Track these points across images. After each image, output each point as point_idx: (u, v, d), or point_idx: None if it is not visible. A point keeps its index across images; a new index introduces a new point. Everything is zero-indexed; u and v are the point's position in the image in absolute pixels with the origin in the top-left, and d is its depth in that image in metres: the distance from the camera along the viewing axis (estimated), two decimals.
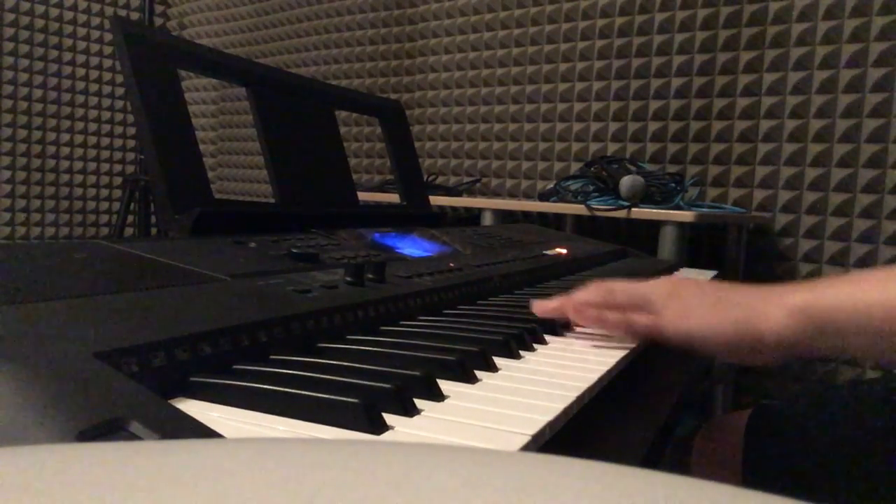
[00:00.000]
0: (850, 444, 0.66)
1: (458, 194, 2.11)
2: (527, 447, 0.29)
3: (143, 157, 2.42)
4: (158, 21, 3.07)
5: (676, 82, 1.83)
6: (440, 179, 2.27)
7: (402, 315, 0.55)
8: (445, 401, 0.35)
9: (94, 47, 2.84)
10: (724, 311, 0.51)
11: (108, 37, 2.83)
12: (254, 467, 0.14)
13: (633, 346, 0.53)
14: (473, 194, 2.19)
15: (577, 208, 1.59)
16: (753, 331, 0.50)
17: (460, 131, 2.26)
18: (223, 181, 2.98)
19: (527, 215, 1.97)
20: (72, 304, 0.35)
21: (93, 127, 2.85)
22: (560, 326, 0.57)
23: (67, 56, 2.75)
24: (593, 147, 1.99)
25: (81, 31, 2.80)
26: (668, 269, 1.11)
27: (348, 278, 0.54)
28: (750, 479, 0.72)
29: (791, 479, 0.68)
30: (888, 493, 0.60)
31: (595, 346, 0.52)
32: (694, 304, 0.53)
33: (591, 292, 0.57)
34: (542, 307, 0.58)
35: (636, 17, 1.89)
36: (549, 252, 1.01)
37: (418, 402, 0.33)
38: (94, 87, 2.84)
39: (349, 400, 0.30)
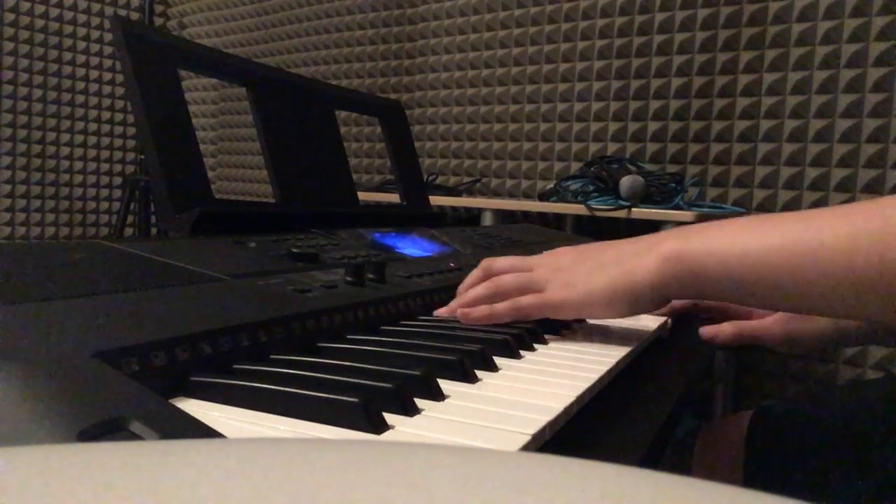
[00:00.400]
0: (852, 444, 0.66)
1: (458, 194, 2.11)
2: (527, 447, 0.30)
3: (143, 157, 2.42)
4: (158, 21, 3.07)
5: (676, 82, 1.83)
6: (440, 179, 2.27)
7: (402, 315, 0.55)
8: (445, 400, 0.35)
9: (94, 47, 2.84)
10: (603, 272, 0.52)
11: (108, 37, 2.83)
12: (254, 467, 0.14)
13: (632, 346, 0.53)
14: (473, 194, 2.19)
15: (577, 208, 1.59)
16: (629, 283, 0.51)
17: (460, 131, 2.26)
18: (223, 181, 2.98)
19: (527, 215, 1.97)
20: (72, 304, 0.35)
21: (93, 127, 2.85)
22: (561, 326, 0.57)
23: (67, 56, 2.75)
24: (593, 147, 1.99)
25: (81, 31, 2.80)
26: None
27: (348, 278, 0.54)
28: (751, 479, 0.72)
29: (793, 480, 0.68)
30: (890, 493, 0.60)
31: (595, 346, 0.52)
32: (576, 272, 0.53)
33: (477, 290, 0.57)
34: (442, 315, 0.58)
35: (636, 17, 1.89)
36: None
37: (418, 402, 0.33)
38: (94, 87, 2.84)
39: (349, 399, 0.30)
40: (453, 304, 0.58)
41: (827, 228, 0.43)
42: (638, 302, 0.51)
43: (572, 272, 0.54)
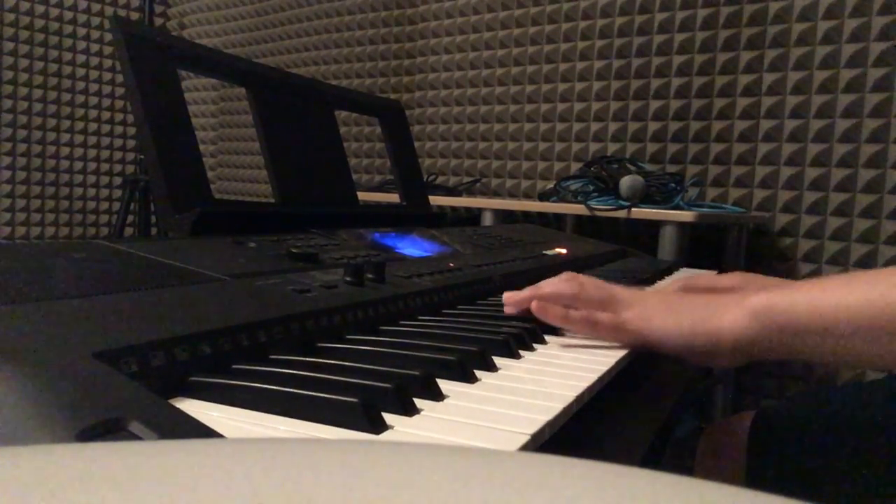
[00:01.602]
0: (854, 445, 0.66)
1: (458, 194, 2.11)
2: (526, 447, 0.29)
3: (143, 157, 2.42)
4: (158, 21, 3.07)
5: (676, 82, 1.83)
6: (440, 179, 2.27)
7: (402, 315, 0.55)
8: (445, 400, 0.35)
9: (94, 47, 2.84)
10: (685, 314, 0.52)
11: (108, 37, 2.83)
12: (254, 467, 0.14)
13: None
14: (473, 194, 2.19)
15: (577, 208, 1.59)
16: (711, 329, 0.50)
17: (460, 131, 2.26)
18: (223, 181, 2.98)
19: (527, 215, 1.97)
20: (72, 304, 0.35)
21: (93, 127, 2.85)
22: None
23: (67, 56, 2.75)
24: (593, 147, 1.99)
25: (81, 31, 2.80)
26: (668, 270, 1.11)
27: (348, 278, 0.54)
28: (754, 480, 0.72)
29: (795, 480, 0.68)
30: (893, 494, 0.60)
31: (595, 347, 0.52)
32: (658, 308, 0.53)
33: (561, 285, 0.57)
34: (512, 299, 0.58)
35: (636, 17, 1.89)
36: (549, 252, 1.01)
37: (418, 402, 0.33)
38: (94, 87, 2.84)
39: (349, 399, 0.30)
40: (527, 291, 0.57)
41: None
42: (717, 351, 0.50)
43: (653, 307, 0.53)
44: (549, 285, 0.58)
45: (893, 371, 0.61)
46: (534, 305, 0.55)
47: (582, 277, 0.58)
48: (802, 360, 0.50)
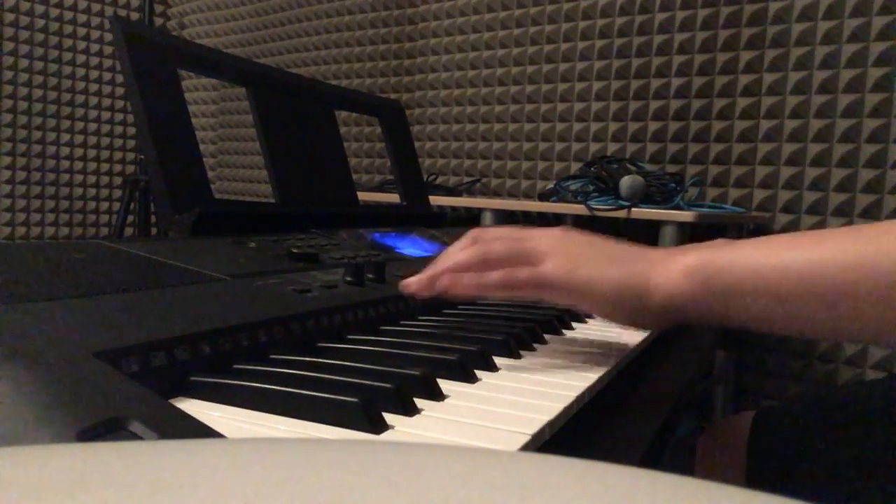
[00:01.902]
0: (855, 446, 0.66)
1: (458, 194, 2.11)
2: (526, 447, 0.29)
3: (143, 157, 2.42)
4: (158, 21, 3.07)
5: (676, 82, 1.83)
6: (440, 179, 2.27)
7: (402, 315, 0.55)
8: (445, 400, 0.35)
9: (94, 47, 2.84)
10: (614, 266, 0.47)
11: (108, 37, 2.83)
12: (254, 467, 0.14)
13: (632, 345, 0.53)
14: (473, 194, 2.19)
15: (577, 208, 1.59)
16: (642, 287, 0.45)
17: (460, 131, 2.26)
18: (223, 181, 2.98)
19: (527, 215, 1.97)
20: (72, 304, 0.35)
21: (93, 127, 2.85)
22: (561, 325, 0.57)
23: (67, 56, 2.75)
24: (593, 147, 1.99)
25: (81, 31, 2.80)
26: None
27: (348, 278, 0.54)
28: (754, 481, 0.72)
29: (795, 481, 0.68)
30: (894, 494, 0.60)
31: (595, 346, 0.52)
32: (583, 256, 0.48)
33: (461, 254, 0.50)
34: (408, 286, 0.50)
35: (636, 17, 1.89)
36: None
37: (418, 402, 0.33)
38: (94, 87, 2.84)
39: (349, 399, 0.30)
40: (427, 271, 0.50)
41: (885, 238, 0.39)
42: (645, 311, 0.46)
43: (577, 254, 0.48)
44: (448, 257, 0.50)
45: (845, 341, 0.58)
46: (445, 285, 0.48)
47: (489, 233, 0.51)
48: (739, 327, 0.44)
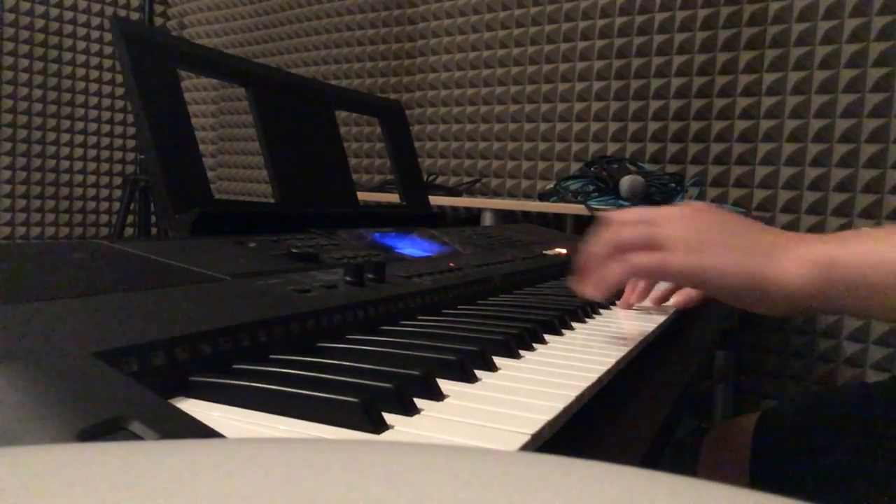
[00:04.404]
0: (857, 447, 0.66)
1: (458, 194, 2.11)
2: (526, 447, 0.29)
3: (143, 157, 2.42)
4: (158, 21, 3.07)
5: (676, 82, 1.83)
6: (440, 179, 2.27)
7: (402, 315, 0.55)
8: (445, 400, 0.35)
9: (94, 47, 2.84)
10: (736, 254, 0.47)
11: (108, 37, 2.83)
12: (254, 467, 0.14)
13: (632, 346, 0.53)
14: (473, 194, 2.19)
15: (577, 208, 1.59)
16: (767, 277, 0.46)
17: (460, 131, 2.26)
18: (223, 181, 2.98)
19: (527, 215, 1.97)
20: (72, 304, 0.35)
21: (93, 127, 2.85)
22: (561, 325, 0.57)
23: (67, 56, 2.75)
24: (593, 147, 1.99)
25: (81, 31, 2.80)
26: None
27: (348, 278, 0.54)
28: (758, 482, 0.72)
29: (799, 482, 0.68)
30: None
31: (595, 346, 0.52)
32: (708, 242, 0.48)
33: (594, 247, 0.52)
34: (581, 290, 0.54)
35: (636, 17, 1.89)
36: (549, 252, 1.01)
37: (418, 402, 0.33)
38: (94, 87, 2.84)
39: (349, 399, 0.30)
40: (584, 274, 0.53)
41: None
42: (766, 300, 0.47)
43: (704, 240, 0.48)
44: (587, 252, 0.53)
45: None
46: (575, 289, 0.52)
47: (618, 216, 0.52)
48: (854, 315, 0.47)
